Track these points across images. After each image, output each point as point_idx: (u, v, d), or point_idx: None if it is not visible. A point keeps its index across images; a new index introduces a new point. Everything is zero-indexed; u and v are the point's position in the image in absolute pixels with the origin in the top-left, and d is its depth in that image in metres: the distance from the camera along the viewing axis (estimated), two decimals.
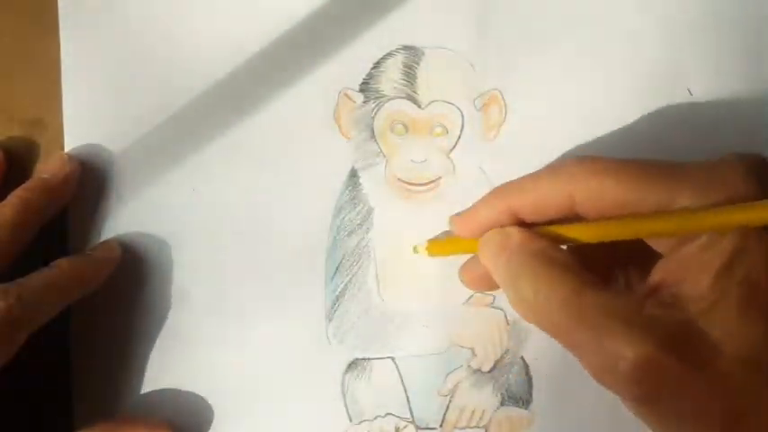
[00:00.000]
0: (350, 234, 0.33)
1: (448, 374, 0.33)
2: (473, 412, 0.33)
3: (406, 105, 0.34)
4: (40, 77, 0.34)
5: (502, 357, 0.33)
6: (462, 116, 0.34)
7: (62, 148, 0.34)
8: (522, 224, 0.28)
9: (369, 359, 0.33)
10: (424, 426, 0.33)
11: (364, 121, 0.34)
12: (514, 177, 0.33)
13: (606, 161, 0.27)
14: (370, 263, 0.33)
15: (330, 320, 0.33)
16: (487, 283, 0.28)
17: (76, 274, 0.31)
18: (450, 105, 0.34)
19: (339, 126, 0.34)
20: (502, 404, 0.33)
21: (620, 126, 0.35)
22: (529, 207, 0.28)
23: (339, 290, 0.33)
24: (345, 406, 0.32)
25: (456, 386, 0.33)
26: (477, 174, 0.34)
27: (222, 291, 0.33)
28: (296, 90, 0.34)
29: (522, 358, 0.33)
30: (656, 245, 0.27)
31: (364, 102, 0.34)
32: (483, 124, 0.35)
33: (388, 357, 0.33)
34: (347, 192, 0.34)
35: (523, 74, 0.35)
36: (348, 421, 0.32)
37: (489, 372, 0.33)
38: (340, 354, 0.33)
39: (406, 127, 0.34)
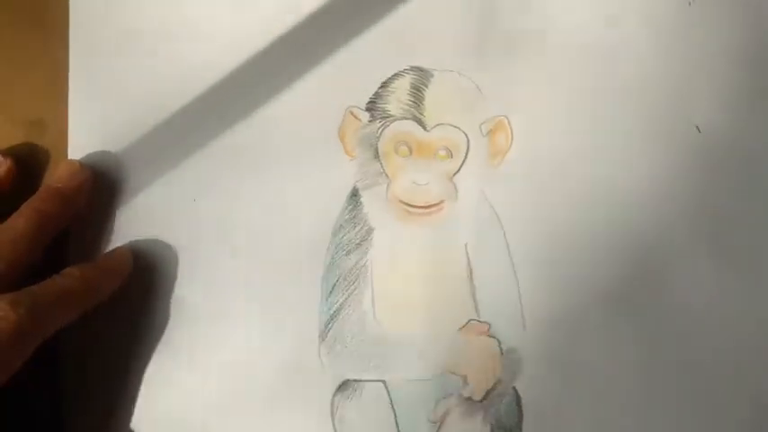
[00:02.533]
0: (348, 253, 0.34)
1: (438, 401, 0.33)
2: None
3: (412, 127, 0.35)
4: (40, 78, 0.35)
5: (494, 387, 0.33)
6: (468, 141, 0.35)
7: (63, 149, 0.34)
8: None
9: (360, 381, 0.33)
10: None
11: (369, 140, 0.35)
12: (517, 205, 0.34)
13: None
14: (367, 284, 0.34)
15: (323, 340, 0.33)
16: None
17: (89, 284, 0.31)
18: (455, 129, 0.35)
19: (343, 144, 0.35)
20: None
21: (625, 160, 0.35)
22: None
23: (334, 309, 0.33)
24: (333, 427, 0.33)
25: (446, 413, 0.33)
26: (480, 200, 0.35)
27: (216, 304, 0.33)
28: (302, 105, 0.35)
29: (514, 389, 0.33)
30: None
31: (370, 121, 0.35)
32: (488, 150, 0.35)
33: (380, 380, 0.33)
34: (348, 210, 0.34)
35: (531, 102, 0.35)
36: None
37: (480, 401, 0.33)
38: (331, 374, 0.33)
39: (410, 148, 0.35)
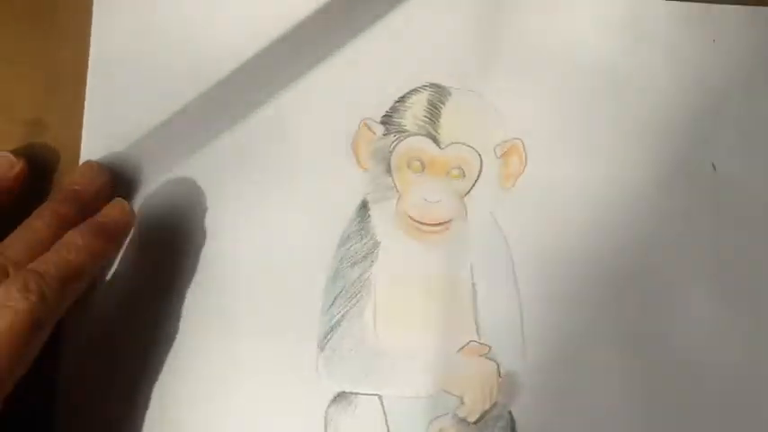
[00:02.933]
0: (353, 265, 0.34)
1: (433, 420, 0.33)
2: None
3: (426, 144, 0.35)
4: (40, 78, 0.35)
5: (490, 409, 0.33)
6: (481, 161, 0.35)
7: (63, 149, 0.34)
8: None
9: (355, 394, 0.33)
10: None
11: (382, 153, 0.35)
12: (526, 230, 0.34)
13: None
14: (370, 297, 0.34)
15: (321, 350, 0.33)
16: None
17: (94, 251, 0.30)
18: (470, 149, 0.35)
19: (356, 155, 0.35)
20: None
21: (638, 192, 0.35)
22: None
23: (335, 321, 0.33)
24: None
25: None
26: (489, 221, 0.35)
27: (218, 307, 0.33)
28: (318, 114, 0.35)
29: (510, 413, 0.33)
30: None
31: (384, 134, 0.35)
32: (501, 172, 0.35)
33: (375, 395, 0.33)
34: (356, 222, 0.34)
35: (547, 127, 0.35)
36: None
37: (475, 422, 0.33)
38: (327, 385, 0.33)
39: (423, 165, 0.35)
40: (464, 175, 0.35)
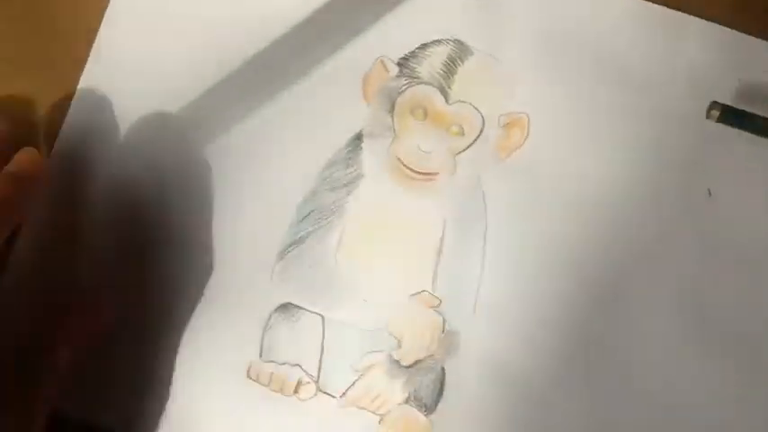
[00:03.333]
0: (332, 189, 0.35)
1: (367, 353, 0.34)
2: (376, 398, 0.34)
3: (435, 95, 0.36)
4: (40, 78, 0.35)
5: (424, 359, 0.34)
6: (483, 125, 0.36)
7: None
8: None
9: (300, 308, 0.34)
10: (324, 389, 0.34)
11: (389, 93, 0.35)
12: (507, 203, 0.35)
13: None
14: (339, 224, 0.35)
15: (281, 259, 0.34)
16: None
17: (5, 201, 0.30)
18: (475, 110, 0.36)
19: (364, 88, 0.35)
20: (406, 402, 0.34)
21: (629, 200, 0.35)
22: None
23: (300, 235, 0.35)
24: (261, 340, 0.34)
25: (371, 367, 0.34)
26: (474, 183, 0.35)
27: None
28: (336, 41, 0.36)
29: (443, 369, 0.34)
30: None
31: (397, 76, 0.36)
32: (500, 141, 0.35)
33: (319, 314, 0.34)
34: (346, 151, 0.35)
35: (558, 111, 0.36)
36: (258, 356, 0.34)
37: (407, 367, 0.34)
38: (277, 292, 0.34)
39: (425, 114, 0.35)
40: (463, 134, 0.36)
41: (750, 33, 0.36)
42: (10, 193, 0.30)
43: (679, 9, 0.36)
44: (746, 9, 0.36)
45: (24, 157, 0.32)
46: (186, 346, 0.34)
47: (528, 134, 0.36)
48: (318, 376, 0.34)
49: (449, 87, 0.36)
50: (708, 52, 0.36)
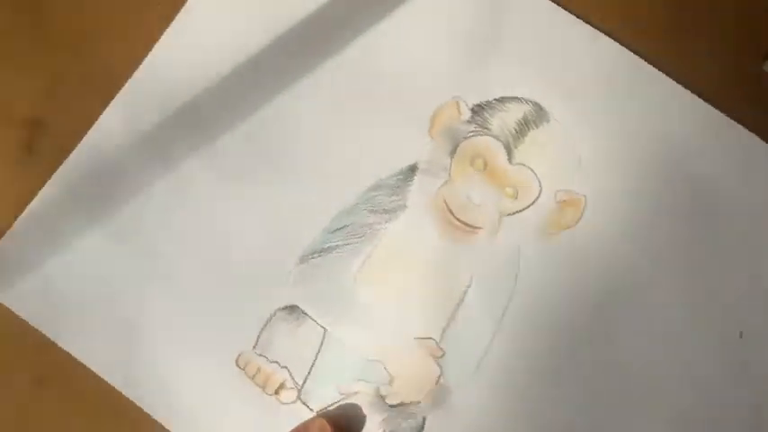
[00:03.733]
0: (371, 212, 0.35)
1: (358, 380, 0.34)
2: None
3: (500, 150, 0.35)
4: (40, 78, 0.36)
5: (409, 404, 0.33)
6: (539, 195, 0.35)
7: (64, 150, 0.35)
8: None
9: (306, 315, 0.34)
10: (305, 400, 0.34)
11: (455, 135, 0.36)
12: (540, 282, 0.34)
13: None
14: (369, 247, 0.35)
15: (302, 263, 0.35)
16: None
17: None
18: (534, 178, 0.35)
19: (432, 124, 0.36)
20: None
21: (666, 319, 0.34)
22: None
23: (327, 245, 0.35)
24: (259, 333, 0.34)
25: (355, 394, 0.34)
26: (513, 251, 0.35)
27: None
28: (418, 67, 0.36)
29: (423, 418, 0.33)
30: None
31: (467, 120, 0.36)
32: (551, 216, 0.35)
33: (323, 327, 0.34)
34: (396, 178, 0.35)
35: (617, 199, 0.35)
36: (251, 346, 0.34)
37: (390, 406, 0.33)
38: (289, 292, 0.35)
39: (485, 166, 0.35)
40: (516, 198, 0.35)
41: None
42: None
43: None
44: None
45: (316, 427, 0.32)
46: (188, 314, 0.34)
47: (581, 217, 0.35)
48: (303, 385, 0.34)
49: (515, 147, 0.35)
50: None
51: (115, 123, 0.35)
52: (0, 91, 0.35)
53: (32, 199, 0.35)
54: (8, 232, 0.34)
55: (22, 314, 0.34)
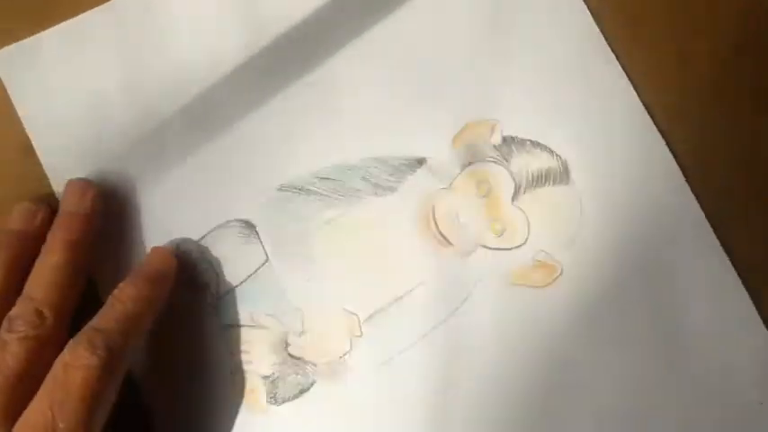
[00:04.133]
0: (362, 179, 0.35)
1: (271, 315, 0.35)
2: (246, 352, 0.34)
3: (508, 187, 0.36)
4: None
5: (307, 363, 0.34)
6: (522, 245, 0.35)
7: None
8: None
9: (258, 237, 0.35)
10: (218, 309, 0.35)
11: (475, 153, 0.36)
12: (489, 326, 0.35)
13: None
14: (343, 209, 0.35)
15: (279, 190, 0.35)
16: None
17: (147, 299, 0.31)
18: (526, 227, 0.35)
19: (460, 133, 0.36)
20: (263, 378, 0.34)
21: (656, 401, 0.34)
22: None
23: (309, 188, 0.35)
24: (208, 231, 0.35)
25: (262, 328, 0.34)
26: (470, 280, 0.35)
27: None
28: (463, 81, 0.36)
29: (313, 382, 0.34)
30: None
31: (494, 146, 0.35)
32: (522, 269, 0.35)
33: (266, 255, 0.35)
34: (401, 162, 0.36)
35: (588, 289, 0.35)
36: (197, 238, 0.35)
37: (290, 355, 0.34)
38: (253, 209, 0.35)
39: (487, 195, 0.35)
40: (500, 236, 0.35)
41: None
42: (146, 293, 0.31)
43: None
44: None
45: (156, 257, 0.33)
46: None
47: (549, 285, 0.35)
48: (221, 297, 0.35)
49: (524, 191, 0.35)
50: None
51: None
52: (0, 91, 0.36)
53: None
54: None
55: None
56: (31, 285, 0.31)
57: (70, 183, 0.34)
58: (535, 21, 0.36)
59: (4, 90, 0.35)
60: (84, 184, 0.34)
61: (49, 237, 0.32)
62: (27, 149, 0.35)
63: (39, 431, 0.27)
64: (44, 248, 0.32)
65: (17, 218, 0.33)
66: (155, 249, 0.34)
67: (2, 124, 0.35)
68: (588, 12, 0.36)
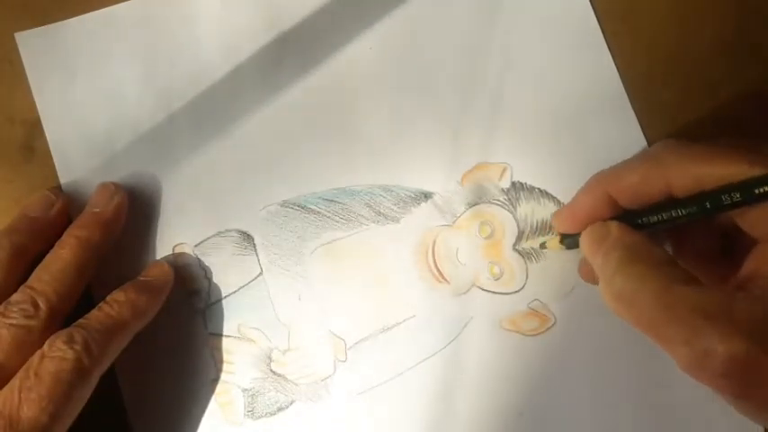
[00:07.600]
0: (366, 206, 0.36)
1: (259, 331, 0.35)
2: (228, 363, 0.35)
3: (512, 233, 0.36)
4: None
5: (288, 381, 0.35)
6: (518, 291, 0.36)
7: None
8: (621, 210, 0.30)
9: (254, 250, 0.36)
10: (205, 316, 0.35)
11: (482, 194, 0.36)
12: (477, 369, 0.35)
13: (700, 147, 0.28)
14: (345, 231, 0.36)
15: (282, 206, 0.36)
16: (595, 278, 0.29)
17: (137, 308, 0.32)
18: (524, 274, 0.36)
19: (471, 171, 0.36)
20: (243, 391, 0.35)
21: None
22: (627, 194, 0.30)
23: (312, 207, 0.36)
24: (206, 237, 0.36)
25: (249, 341, 0.35)
26: (461, 319, 0.35)
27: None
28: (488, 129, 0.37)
29: (292, 401, 0.34)
30: (753, 229, 0.28)
31: (502, 189, 0.36)
32: (514, 315, 0.35)
33: (261, 268, 0.35)
34: (408, 194, 0.36)
35: (578, 345, 0.35)
36: (195, 243, 0.36)
37: (272, 371, 0.35)
38: (254, 221, 0.36)
39: (490, 237, 0.36)
40: (498, 279, 0.35)
41: None
42: (137, 303, 0.32)
43: None
44: None
45: (155, 271, 0.34)
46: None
47: (539, 335, 0.35)
48: (211, 304, 0.35)
49: (526, 238, 0.36)
50: None
51: None
52: (0, 90, 0.36)
53: None
54: None
55: None
56: (36, 275, 0.31)
57: (101, 185, 0.35)
58: (558, 62, 0.37)
59: (12, 87, 0.36)
60: (113, 188, 0.34)
61: (67, 232, 0.33)
62: (31, 149, 0.36)
63: (3, 413, 0.28)
64: (59, 242, 0.32)
65: (35, 205, 0.34)
66: (155, 262, 0.35)
67: (6, 120, 0.36)
68: (616, 69, 0.37)
